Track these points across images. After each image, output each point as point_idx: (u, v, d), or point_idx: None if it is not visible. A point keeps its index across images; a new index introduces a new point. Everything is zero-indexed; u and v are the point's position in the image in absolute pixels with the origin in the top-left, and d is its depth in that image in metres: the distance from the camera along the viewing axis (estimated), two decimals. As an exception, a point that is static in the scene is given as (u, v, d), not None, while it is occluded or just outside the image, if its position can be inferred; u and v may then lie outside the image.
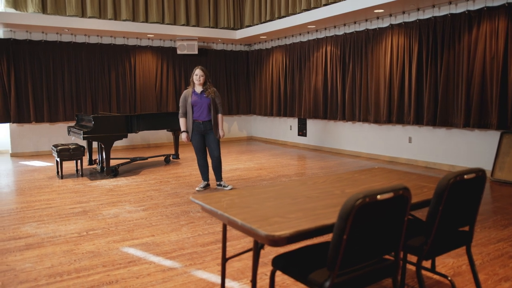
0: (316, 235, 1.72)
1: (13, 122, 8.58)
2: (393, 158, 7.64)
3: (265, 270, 2.97)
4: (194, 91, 5.18)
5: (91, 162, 7.29)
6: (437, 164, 6.84)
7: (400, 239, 1.86)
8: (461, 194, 2.10)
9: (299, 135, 10.08)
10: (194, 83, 5.17)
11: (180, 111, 5.24)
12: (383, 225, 1.76)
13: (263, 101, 10.91)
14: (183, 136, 5.25)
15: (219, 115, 5.30)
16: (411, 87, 6.94)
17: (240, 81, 11.39)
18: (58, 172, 6.50)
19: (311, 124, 9.65)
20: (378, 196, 1.64)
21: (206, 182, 5.47)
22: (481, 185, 2.19)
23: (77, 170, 6.71)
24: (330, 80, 8.64)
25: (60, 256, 3.31)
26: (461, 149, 6.48)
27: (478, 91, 5.98)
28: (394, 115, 7.27)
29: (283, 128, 10.64)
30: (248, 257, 3.19)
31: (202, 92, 5.16)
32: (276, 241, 1.63)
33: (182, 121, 5.23)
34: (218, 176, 5.44)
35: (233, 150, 9.47)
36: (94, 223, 4.17)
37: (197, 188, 5.49)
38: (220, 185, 5.50)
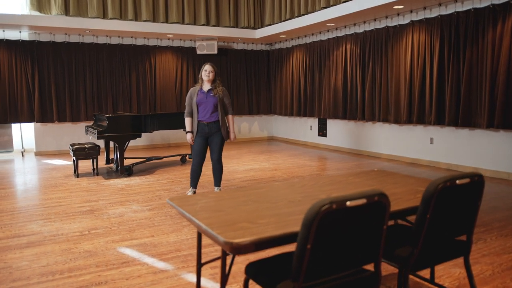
0: (282, 243, 1.61)
1: (37, 122, 8.83)
2: (414, 159, 7.35)
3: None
4: (201, 89, 4.82)
5: (108, 161, 7.39)
6: (460, 167, 6.52)
7: (379, 249, 1.72)
8: (453, 201, 1.93)
9: (319, 135, 9.90)
10: (202, 80, 4.82)
11: (186, 110, 4.90)
12: (357, 234, 1.63)
13: (284, 100, 10.78)
14: (188, 137, 4.89)
15: (230, 116, 4.98)
16: (432, 86, 6.65)
17: (261, 80, 11.30)
18: (75, 170, 6.61)
19: (331, 124, 9.44)
20: (348, 203, 1.52)
21: (194, 190, 5.00)
22: (478, 191, 2.01)
23: (93, 169, 6.81)
24: (349, 79, 8.43)
25: (57, 255, 3.33)
26: (485, 150, 6.15)
27: (503, 89, 5.65)
28: (415, 115, 6.99)
29: (304, 128, 10.47)
30: (244, 260, 3.10)
31: (209, 90, 4.80)
32: (235, 249, 1.53)
33: (187, 121, 4.89)
34: (217, 181, 5.00)
35: (252, 150, 9.39)
36: (98, 222, 4.19)
37: None
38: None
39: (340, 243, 1.59)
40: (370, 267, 1.81)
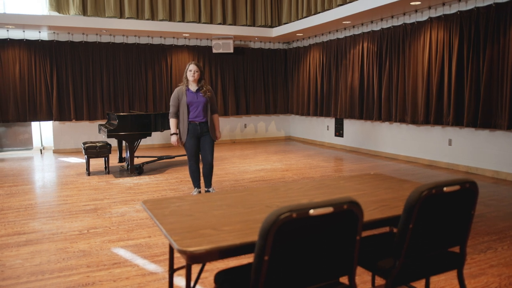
0: (242, 253, 1.50)
1: (55, 120, 9.00)
2: (432, 161, 7.07)
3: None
4: (188, 89, 4.70)
5: (121, 159, 7.43)
6: (480, 170, 6.22)
7: (353, 261, 1.59)
8: (441, 210, 1.78)
9: (336, 135, 9.69)
10: (187, 80, 4.69)
11: (171, 110, 4.72)
12: (325, 245, 1.51)
13: (300, 100, 10.61)
14: (173, 139, 4.73)
15: (216, 115, 4.91)
16: (451, 85, 6.37)
17: (278, 80, 11.17)
18: (87, 169, 6.67)
19: (347, 124, 9.23)
20: (311, 211, 1.40)
21: (199, 190, 5.00)
22: (471, 199, 1.84)
23: (105, 167, 6.86)
24: (366, 78, 8.20)
25: (51, 254, 3.32)
26: (506, 153, 5.84)
27: (526, 89, 5.34)
28: (433, 115, 6.71)
29: (320, 128, 10.28)
30: (238, 263, 3.00)
31: (197, 90, 4.72)
32: (190, 257, 1.43)
33: (173, 122, 4.73)
34: (208, 183, 4.96)
35: (267, 150, 9.28)
36: (99, 221, 4.18)
37: None
38: (208, 191, 5.03)
39: (304, 254, 1.47)
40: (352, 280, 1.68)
